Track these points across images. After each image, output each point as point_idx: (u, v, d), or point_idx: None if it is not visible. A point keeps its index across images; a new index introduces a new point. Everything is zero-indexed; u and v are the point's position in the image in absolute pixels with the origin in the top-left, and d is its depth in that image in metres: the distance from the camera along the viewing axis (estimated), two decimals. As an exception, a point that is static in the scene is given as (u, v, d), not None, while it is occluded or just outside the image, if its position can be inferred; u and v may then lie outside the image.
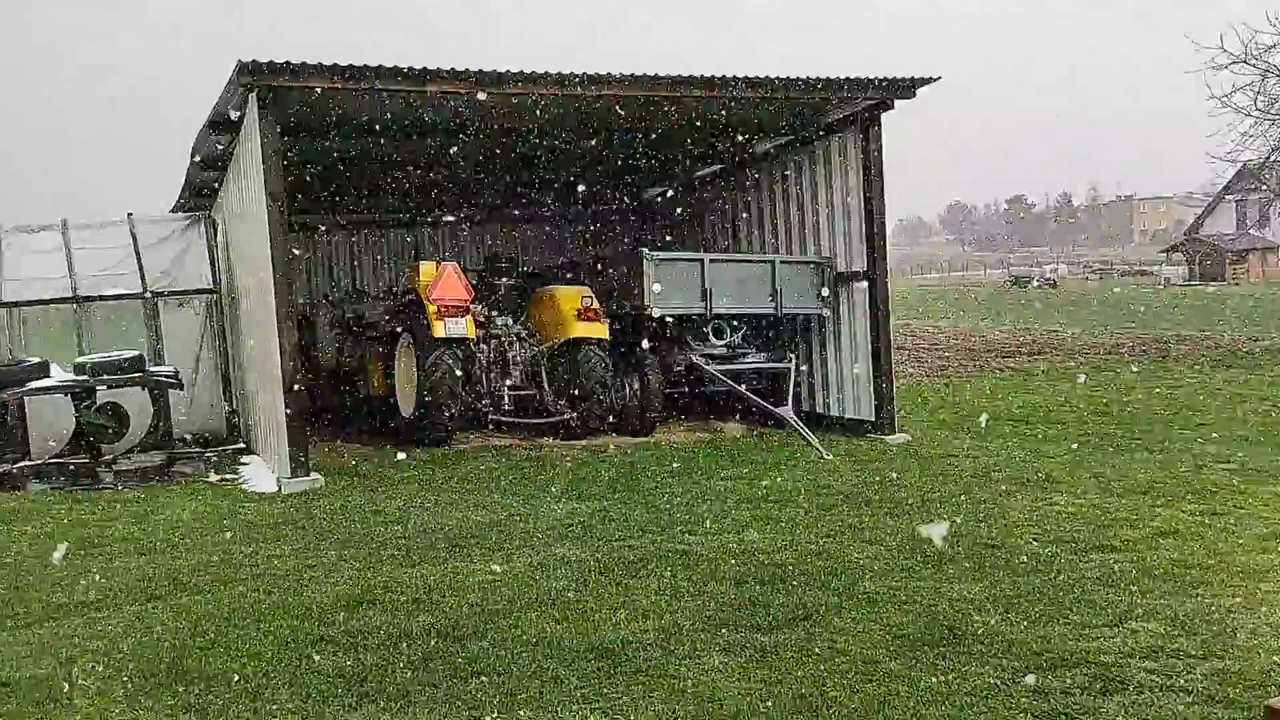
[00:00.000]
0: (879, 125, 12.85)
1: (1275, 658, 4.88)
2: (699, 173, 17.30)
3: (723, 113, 13.15)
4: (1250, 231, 44.73)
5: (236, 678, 5.11)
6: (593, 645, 5.41)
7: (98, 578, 7.14)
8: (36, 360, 11.89)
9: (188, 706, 4.79)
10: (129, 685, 5.08)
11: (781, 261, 13.90)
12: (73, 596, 6.73)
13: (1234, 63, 19.37)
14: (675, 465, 11.20)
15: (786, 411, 13.01)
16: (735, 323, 13.95)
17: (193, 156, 13.22)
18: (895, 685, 4.75)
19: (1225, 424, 13.00)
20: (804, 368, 14.28)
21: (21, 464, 11.44)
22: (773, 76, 11.98)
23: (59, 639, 5.83)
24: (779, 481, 10.01)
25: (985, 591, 6.09)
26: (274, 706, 4.76)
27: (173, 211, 16.39)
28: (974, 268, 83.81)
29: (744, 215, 16.00)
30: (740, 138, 14.65)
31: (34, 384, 11.55)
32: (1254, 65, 19.27)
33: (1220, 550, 6.83)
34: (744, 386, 13.49)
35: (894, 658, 5.10)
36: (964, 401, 16.15)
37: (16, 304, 13.17)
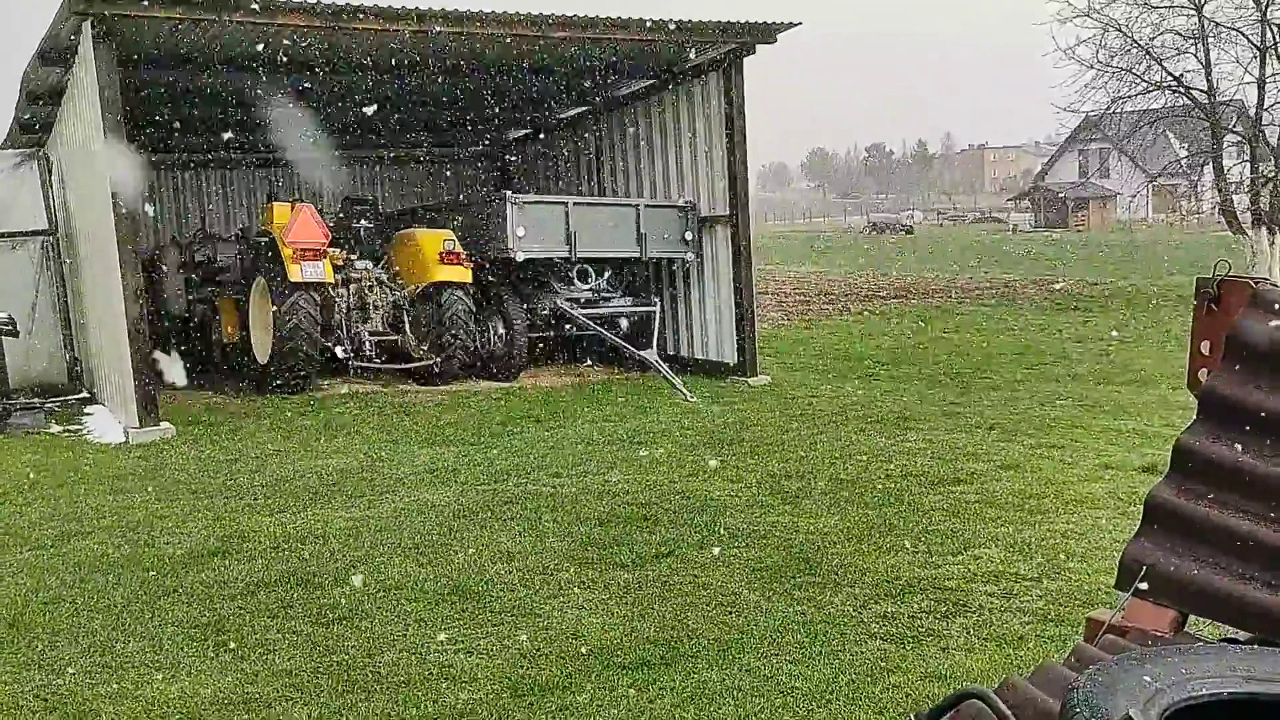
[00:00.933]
0: (741, 70, 12.94)
1: (1103, 578, 5.24)
2: (562, 115, 17.14)
3: (586, 54, 13.02)
4: (1091, 180, 46.99)
5: (85, 633, 4.94)
6: (457, 587, 5.41)
7: (-72, 535, 6.76)
8: None
9: (32, 662, 4.61)
10: (-35, 644, 4.85)
11: (646, 205, 13.96)
12: (-100, 556, 6.36)
13: (1077, 16, 20.16)
14: (540, 409, 11.21)
15: (650, 354, 13.14)
16: (600, 267, 13.96)
17: (21, 89, 12.36)
18: (754, 616, 4.91)
19: (1064, 363, 13.75)
20: (668, 311, 14.43)
21: None
22: (636, 18, 11.91)
23: (-114, 600, 5.51)
24: (643, 423, 10.14)
25: (839, 524, 6.33)
26: (126, 659, 4.62)
27: (1, 148, 15.34)
28: (835, 214, 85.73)
29: (608, 158, 15.96)
30: (604, 80, 14.55)
31: None
32: (1096, 19, 20.10)
33: (1057, 481, 7.25)
34: (609, 330, 13.55)
35: (753, 590, 5.27)
36: (823, 344, 16.61)
37: None
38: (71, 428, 10.89)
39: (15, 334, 11.82)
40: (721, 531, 6.27)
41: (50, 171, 13.80)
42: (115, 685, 4.36)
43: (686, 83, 13.84)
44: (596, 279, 13.98)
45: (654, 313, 13.90)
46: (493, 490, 7.48)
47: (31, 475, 8.56)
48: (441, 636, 4.78)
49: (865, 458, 8.16)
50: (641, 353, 13.19)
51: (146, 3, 9.51)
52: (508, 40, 11.94)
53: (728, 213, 13.34)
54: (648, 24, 11.92)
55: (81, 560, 6.11)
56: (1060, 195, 54.79)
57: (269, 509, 7.21)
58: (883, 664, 4.33)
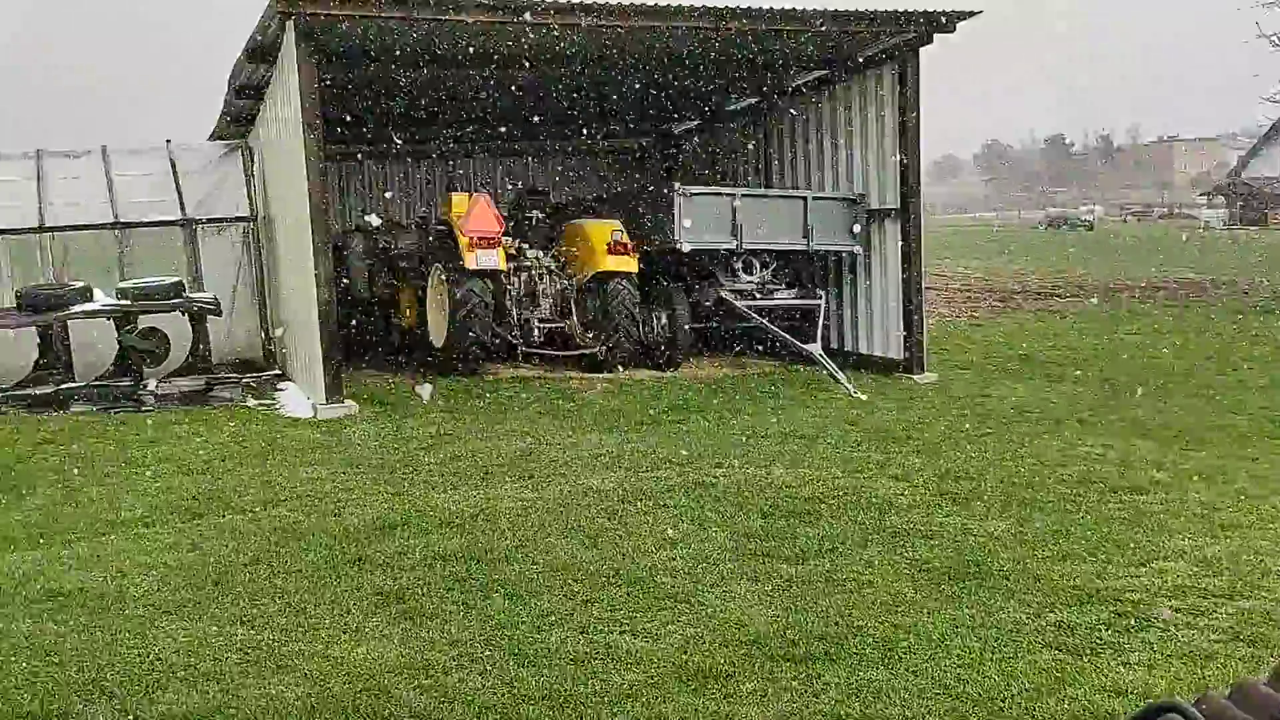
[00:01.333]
0: (917, 61, 12.66)
1: (1298, 599, 4.95)
2: (731, 106, 17.14)
3: (757, 45, 12.99)
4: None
5: (280, 594, 5.30)
6: (621, 571, 5.54)
7: (144, 496, 7.36)
8: (80, 285, 12.08)
9: (235, 619, 4.98)
10: (178, 597, 5.28)
11: (814, 198, 13.83)
12: (119, 514, 6.95)
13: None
14: (702, 400, 11.29)
15: (815, 349, 13.03)
16: (766, 259, 13.93)
17: (230, 84, 13.23)
18: (921, 617, 4.85)
19: (1262, 370, 12.93)
20: (834, 305, 14.28)
21: (66, 386, 11.70)
22: (809, 9, 11.81)
23: (109, 553, 6.04)
24: (806, 418, 10.09)
25: (1012, 529, 6.17)
26: (316, 621, 4.94)
27: (211, 140, 16.45)
28: (1009, 208, 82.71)
29: (776, 150, 15.89)
30: (775, 71, 14.47)
31: (77, 308, 11.75)
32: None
33: (1251, 494, 6.86)
34: (773, 323, 13.51)
35: (920, 591, 5.20)
36: (994, 342, 16.10)
37: (59, 229, 13.34)
38: (265, 402, 11.61)
39: (219, 313, 12.69)
40: (887, 530, 6.21)
41: (252, 161, 14.71)
42: (307, 644, 4.67)
43: (859, 73, 13.64)
44: (761, 271, 13.95)
45: (819, 306, 13.77)
46: (655, 478, 7.60)
47: (232, 445, 9.19)
48: (607, 618, 4.91)
49: (1039, 461, 7.91)
50: (806, 346, 13.09)
51: (343, 1, 10.04)
52: (682, 32, 12.04)
53: (898, 205, 13.09)
54: (822, 14, 11.80)
55: (276, 526, 6.54)
56: (1260, 191, 51.27)
57: (444, 486, 7.54)
58: (1058, 675, 4.21)
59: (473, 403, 11.39)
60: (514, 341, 13.51)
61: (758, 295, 13.82)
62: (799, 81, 14.87)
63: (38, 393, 11.53)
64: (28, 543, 6.34)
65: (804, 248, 13.69)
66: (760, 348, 14.51)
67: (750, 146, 16.80)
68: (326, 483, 7.72)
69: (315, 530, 6.42)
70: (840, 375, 12.21)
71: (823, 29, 12.04)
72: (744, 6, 11.56)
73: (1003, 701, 3.99)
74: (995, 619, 4.81)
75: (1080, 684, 4.11)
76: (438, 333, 13.45)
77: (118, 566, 5.76)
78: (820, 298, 13.94)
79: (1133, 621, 4.73)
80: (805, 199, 13.75)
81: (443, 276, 13.11)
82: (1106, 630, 4.65)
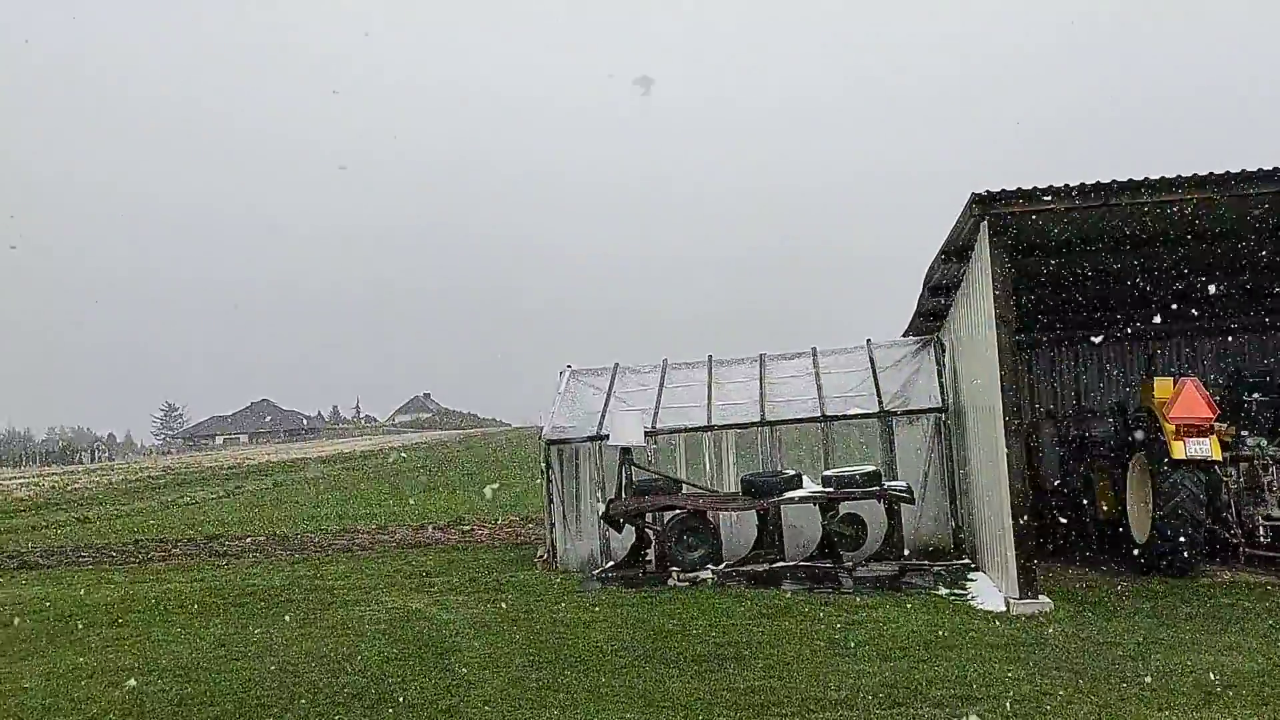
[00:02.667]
0: None
1: None
2: None
3: None
4: None
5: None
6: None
7: (847, 678, 7.76)
8: (791, 473, 13.45)
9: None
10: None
11: None
12: (827, 693, 7.39)
13: None
14: None
15: None
16: None
17: (925, 283, 14.08)
18: None
19: None
20: None
21: (777, 564, 12.96)
22: None
23: (819, 731, 6.43)
24: None
25: None
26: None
27: (904, 335, 17.56)
28: None
29: None
30: None
31: (789, 494, 13.07)
32: None
33: None
34: None
35: None
36: None
37: (776, 422, 15.10)
38: (956, 591, 11.65)
39: (911, 501, 13.22)
40: None
41: (944, 354, 15.36)
42: None
43: None
44: None
45: None
46: None
47: (925, 634, 9.33)
48: None
49: None
50: None
51: (1040, 198, 10.25)
52: None
53: None
54: None
55: (973, 725, 6.43)
56: None
57: (1155, 703, 6.83)
58: None
59: (1184, 609, 10.24)
60: (1233, 540, 12.02)
61: None
62: None
63: (756, 569, 12.91)
64: (750, 711, 7.00)
65: None
66: None
67: None
68: (1024, 685, 7.44)
69: (1016, 735, 6.20)
70: None
71: None
72: None
73: None
74: None
75: None
76: (1140, 527, 12.50)
77: (828, 746, 6.10)
78: None
79: None
80: None
81: (1146, 466, 12.25)
82: None
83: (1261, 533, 11.94)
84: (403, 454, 49.98)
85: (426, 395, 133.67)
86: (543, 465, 15.63)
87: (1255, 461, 12.23)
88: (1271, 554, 11.89)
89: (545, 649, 9.34)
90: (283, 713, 7.41)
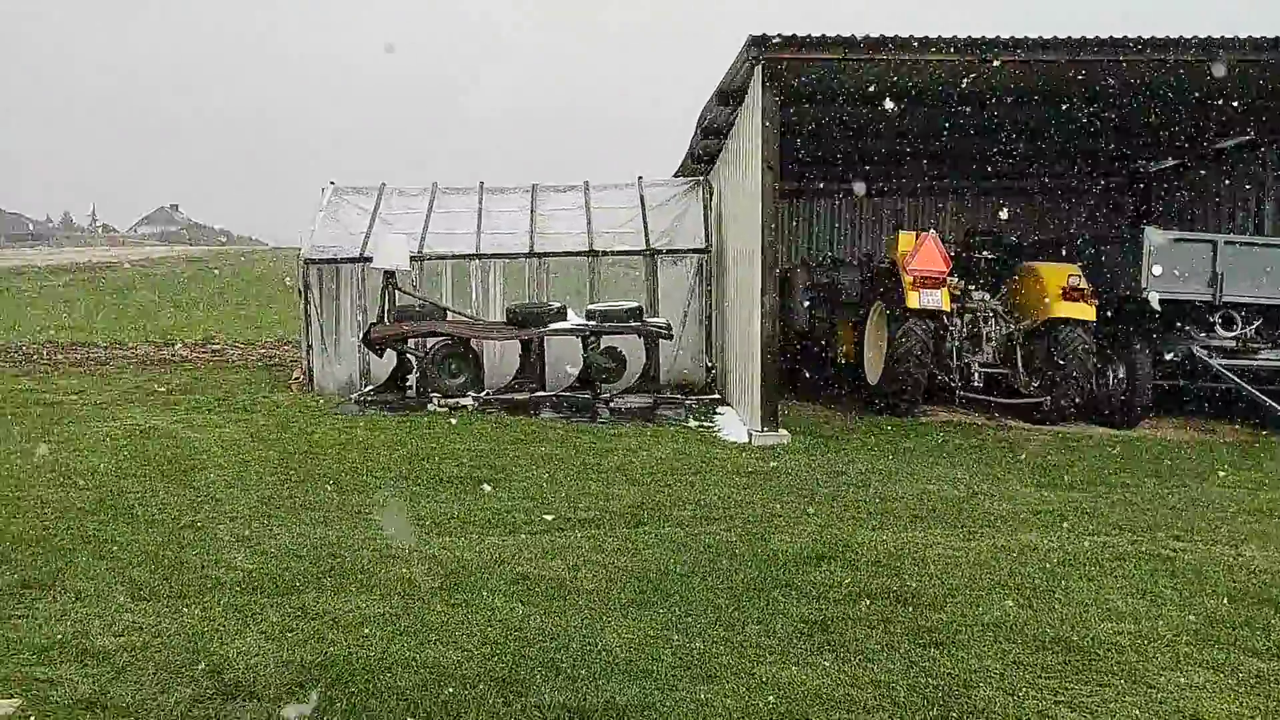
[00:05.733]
0: None
1: None
2: (1219, 145, 15.51)
3: (1261, 78, 11.66)
4: None
5: (713, 607, 5.60)
6: (1058, 638, 5.23)
7: (597, 500, 8.10)
8: (557, 305, 13.55)
9: (672, 625, 5.34)
10: (624, 596, 5.77)
11: (1319, 247, 12.16)
12: (576, 513, 7.70)
13: None
14: (1162, 464, 10.31)
15: (1307, 419, 11.42)
16: (1249, 314, 12.44)
17: (699, 124, 14.21)
18: None
19: None
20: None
21: (538, 394, 13.17)
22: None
23: (567, 548, 6.72)
24: (1291, 497, 8.87)
25: None
26: (745, 639, 5.16)
27: (675, 176, 17.75)
28: None
29: (1274, 194, 14.14)
30: (1275, 102, 12.91)
31: (554, 325, 13.20)
32: None
33: None
34: (1255, 386, 12.01)
35: None
36: None
37: (545, 254, 15.07)
38: (705, 424, 12.27)
39: (670, 338, 13.65)
40: (1390, 638, 5.30)
41: (711, 197, 15.68)
42: (735, 659, 4.90)
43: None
44: (1243, 327, 12.48)
45: (1315, 371, 12.06)
46: (1103, 543, 7.07)
47: (673, 461, 9.84)
48: (1040, 684, 4.66)
49: None
50: (1294, 415, 11.51)
51: (815, 46, 10.44)
52: (1169, 66, 11.14)
53: None
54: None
55: (710, 543, 6.90)
56: None
57: (872, 524, 7.54)
58: None
59: (905, 443, 11.26)
60: (953, 385, 13.19)
61: (1238, 354, 12.38)
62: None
63: (517, 398, 13.08)
64: (501, 530, 7.22)
65: (1300, 303, 12.07)
66: (1236, 412, 12.97)
67: (1238, 190, 15.11)
68: (758, 507, 8.02)
69: (745, 551, 6.70)
70: (1336, 452, 10.59)
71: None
72: (1252, 36, 10.47)
73: None
74: None
75: None
76: (874, 370, 13.47)
77: (572, 561, 6.40)
78: (1317, 361, 12.20)
79: None
80: (1307, 247, 12.14)
81: (883, 314, 13.12)
82: None
83: (976, 378, 13.16)
84: (145, 267, 46.76)
85: (174, 207, 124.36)
86: (301, 285, 15.03)
87: (977, 314, 13.36)
88: (984, 397, 13.16)
89: (298, 469, 9.21)
90: (4, 527, 6.99)
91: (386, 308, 13.47)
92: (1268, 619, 5.53)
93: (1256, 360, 12.37)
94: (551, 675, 4.68)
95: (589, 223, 15.60)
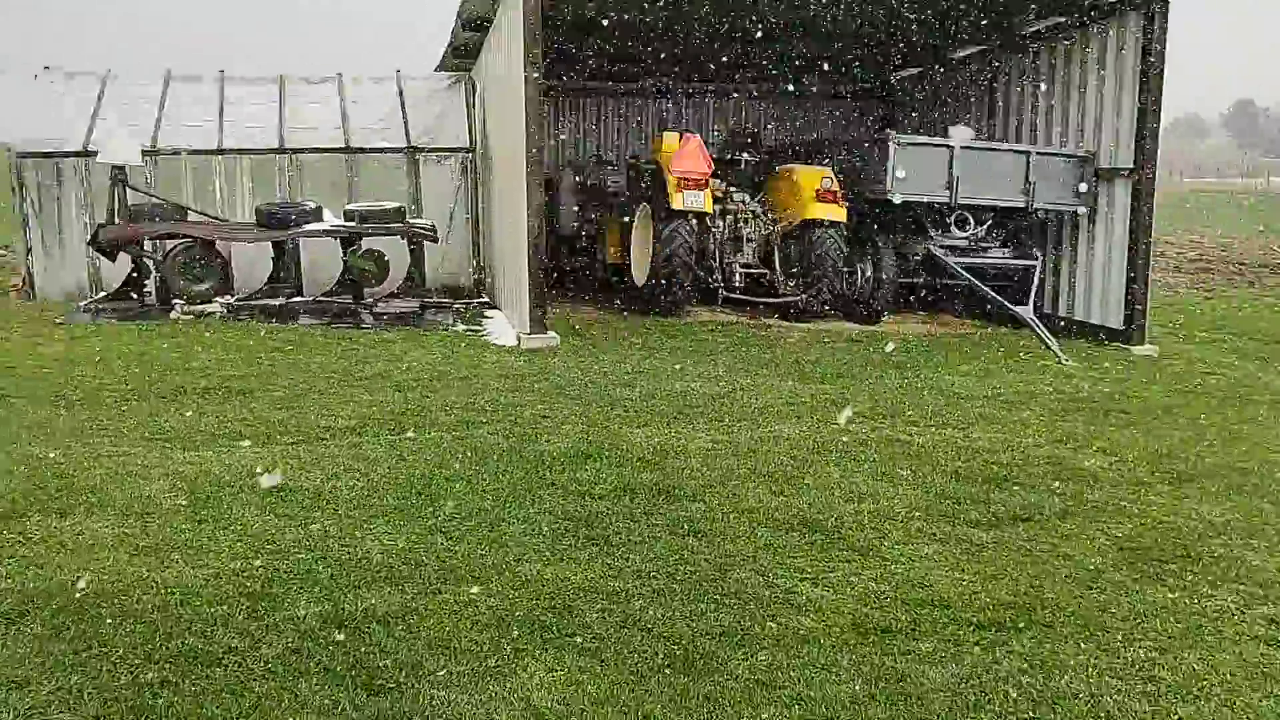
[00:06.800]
0: (1166, 10, 11.75)
1: None
2: (956, 54, 16.41)
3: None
4: None
5: (478, 510, 5.57)
6: (806, 520, 5.53)
7: (359, 408, 7.85)
8: (312, 205, 12.87)
9: (435, 529, 5.27)
10: (385, 503, 5.64)
11: (1038, 153, 13.14)
12: (335, 421, 7.44)
13: None
14: (901, 356, 11.03)
15: (1026, 312, 12.47)
16: (981, 214, 13.38)
17: (458, 17, 13.66)
18: (1118, 595, 4.64)
19: None
20: (1048, 267, 13.60)
21: (295, 299, 12.56)
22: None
23: (326, 457, 6.49)
24: (1010, 382, 9.71)
25: (1229, 515, 5.78)
26: (510, 538, 5.17)
27: (437, 71, 17.09)
28: (1259, 174, 75.86)
29: (1002, 102, 15.13)
30: (1005, 17, 13.73)
31: (309, 226, 12.55)
32: None
33: None
34: (983, 282, 12.99)
35: (1119, 569, 4.96)
36: (1224, 317, 14.96)
37: (298, 150, 14.24)
38: (473, 328, 12.11)
39: (435, 240, 13.29)
40: (1089, 504, 5.93)
41: (474, 94, 15.21)
42: (500, 559, 4.90)
43: (1100, 22, 12.77)
44: (975, 227, 13.42)
45: (1034, 267, 13.16)
46: (847, 430, 7.50)
47: (440, 367, 9.66)
48: (789, 564, 4.92)
49: (1265, 445, 7.34)
50: (1017, 309, 12.55)
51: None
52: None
53: (1131, 165, 12.27)
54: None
55: (477, 446, 6.85)
56: None
57: (637, 422, 7.69)
58: (1265, 669, 3.95)
59: (670, 343, 11.52)
60: (715, 285, 13.55)
61: (970, 252, 13.32)
62: (1031, 29, 14.07)
63: (271, 304, 12.43)
64: (254, 441, 6.89)
65: (1023, 205, 13.07)
66: (967, 306, 14.01)
67: (973, 97, 16.08)
68: (526, 409, 8.01)
69: (513, 453, 6.69)
70: (1051, 341, 11.66)
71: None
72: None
73: (1201, 691, 3.77)
74: (1200, 605, 4.54)
75: (1293, 685, 3.84)
76: (640, 271, 13.65)
77: (331, 470, 6.19)
78: (1036, 258, 13.31)
79: (1361, 627, 4.37)
80: (1028, 154, 13.09)
81: (649, 215, 13.25)
82: (1329, 632, 4.31)
83: (738, 279, 13.58)
84: None
85: None
86: (14, 183, 13.58)
87: (738, 215, 13.73)
88: (744, 298, 13.62)
89: (20, 385, 8.41)
90: None
91: (116, 208, 12.40)
92: (988, 494, 6.06)
93: (986, 259, 13.35)
94: (308, 587, 4.53)
95: (344, 117, 14.84)
